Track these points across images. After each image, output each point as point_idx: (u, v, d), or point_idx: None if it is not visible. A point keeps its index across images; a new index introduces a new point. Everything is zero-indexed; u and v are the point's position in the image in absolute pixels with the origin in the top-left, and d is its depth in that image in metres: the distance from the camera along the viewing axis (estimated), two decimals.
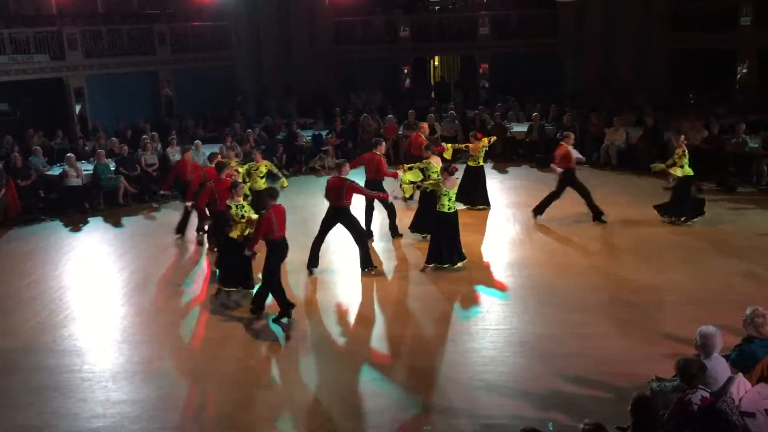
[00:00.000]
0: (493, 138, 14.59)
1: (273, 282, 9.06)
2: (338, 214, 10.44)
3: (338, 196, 10.37)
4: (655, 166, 12.50)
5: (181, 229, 12.73)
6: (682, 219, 12.19)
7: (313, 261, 10.62)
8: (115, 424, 6.99)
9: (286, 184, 11.95)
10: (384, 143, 12.93)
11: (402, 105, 21.16)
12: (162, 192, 15.09)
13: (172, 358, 8.36)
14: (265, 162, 12.21)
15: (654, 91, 20.99)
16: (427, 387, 7.44)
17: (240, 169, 11.80)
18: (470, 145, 14.01)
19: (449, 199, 10.35)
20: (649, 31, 21.48)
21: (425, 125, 15.37)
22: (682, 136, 12.51)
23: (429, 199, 11.17)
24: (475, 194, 13.84)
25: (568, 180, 12.59)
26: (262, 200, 10.26)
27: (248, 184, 11.44)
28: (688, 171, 11.96)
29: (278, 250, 9.12)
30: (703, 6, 21.15)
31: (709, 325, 5.82)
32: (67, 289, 10.66)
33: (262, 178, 11.95)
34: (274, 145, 18.38)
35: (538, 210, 12.95)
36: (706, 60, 20.86)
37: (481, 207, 13.80)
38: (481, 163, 14.01)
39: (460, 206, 12.08)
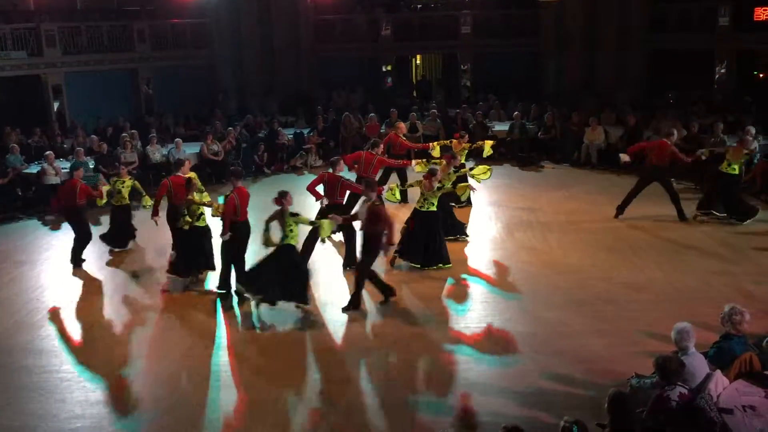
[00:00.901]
0: (489, 142, 14.53)
1: (239, 264, 9.57)
2: (331, 210, 10.33)
3: (332, 192, 10.52)
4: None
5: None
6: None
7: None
8: (94, 424, 6.92)
9: (149, 203, 11.51)
10: (381, 145, 12.93)
11: (384, 103, 21.16)
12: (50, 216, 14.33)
13: (152, 357, 8.29)
14: (129, 178, 12.14)
15: (634, 91, 21.18)
16: (408, 385, 7.44)
17: (104, 188, 11.85)
18: (454, 142, 13.99)
19: (426, 200, 10.42)
20: (629, 32, 21.65)
21: (402, 125, 15.38)
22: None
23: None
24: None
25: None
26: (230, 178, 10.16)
27: (114, 199, 11.81)
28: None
29: (239, 232, 9.48)
30: (682, 7, 21.35)
31: (683, 322, 5.89)
32: (45, 289, 10.53)
33: (119, 193, 11.89)
34: (255, 143, 18.31)
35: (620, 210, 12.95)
36: (685, 60, 21.09)
37: (463, 204, 13.81)
38: (463, 161, 14.03)
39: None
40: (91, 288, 10.58)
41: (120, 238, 12.13)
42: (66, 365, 8.16)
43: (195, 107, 21.91)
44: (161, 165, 16.60)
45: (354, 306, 9.21)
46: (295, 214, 9.09)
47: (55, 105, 20.20)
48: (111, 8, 23.93)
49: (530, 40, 23.27)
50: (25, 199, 15.31)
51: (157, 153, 16.66)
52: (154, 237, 11.93)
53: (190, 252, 10.22)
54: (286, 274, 9.04)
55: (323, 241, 10.34)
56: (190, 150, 16.98)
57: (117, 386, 7.66)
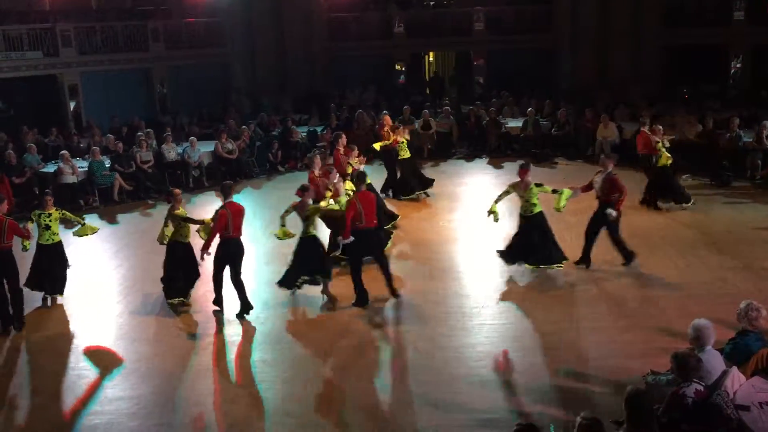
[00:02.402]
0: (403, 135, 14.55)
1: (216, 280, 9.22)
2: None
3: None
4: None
5: None
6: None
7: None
8: (112, 420, 7.00)
9: (89, 233, 10.40)
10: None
11: (396, 101, 21.17)
12: None
13: (168, 355, 8.36)
14: (56, 209, 9.93)
15: (647, 87, 21.05)
16: (423, 383, 7.45)
17: (30, 223, 9.68)
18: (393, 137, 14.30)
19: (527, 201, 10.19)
20: (643, 27, 21.54)
21: (388, 117, 15.57)
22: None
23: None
24: (412, 183, 14.56)
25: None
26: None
27: (42, 238, 9.68)
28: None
29: (227, 250, 9.03)
30: (696, 1, 21.21)
31: (701, 318, 5.86)
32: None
33: (49, 229, 9.67)
34: (269, 141, 18.38)
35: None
36: (699, 55, 20.93)
37: (422, 193, 14.47)
38: (408, 155, 14.48)
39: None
40: (109, 286, 10.67)
41: (50, 281, 9.86)
42: (83, 363, 8.25)
43: (209, 106, 22.02)
44: (176, 163, 16.71)
45: (362, 302, 9.29)
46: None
47: (71, 105, 20.40)
48: (125, 8, 24.10)
49: (543, 36, 23.20)
50: (42, 198, 15.42)
51: (172, 151, 16.77)
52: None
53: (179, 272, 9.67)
54: (315, 262, 9.30)
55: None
56: (204, 148, 17.10)
57: (135, 383, 7.74)
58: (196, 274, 9.74)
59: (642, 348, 7.77)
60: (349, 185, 10.66)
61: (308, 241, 9.39)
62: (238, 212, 9.08)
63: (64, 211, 9.98)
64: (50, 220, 9.62)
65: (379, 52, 24.55)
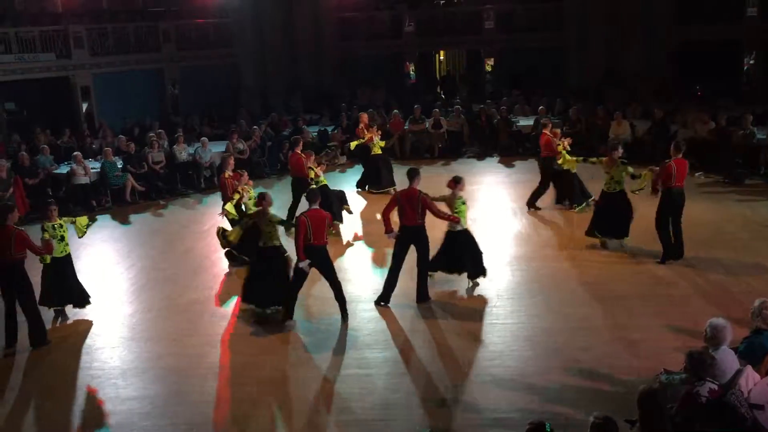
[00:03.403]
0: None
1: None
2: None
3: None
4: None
5: None
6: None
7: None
8: (125, 420, 7.03)
9: (85, 229, 9.79)
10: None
11: (407, 100, 21.17)
12: None
13: (181, 354, 8.39)
14: (68, 219, 9.67)
15: (659, 84, 20.93)
16: (435, 382, 7.45)
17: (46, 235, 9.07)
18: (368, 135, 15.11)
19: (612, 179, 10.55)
20: (653, 23, 21.42)
21: (365, 115, 16.06)
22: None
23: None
24: (382, 177, 15.24)
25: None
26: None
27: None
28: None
29: (312, 256, 8.66)
30: None
31: (719, 317, 5.82)
32: None
33: (63, 240, 9.28)
34: (280, 141, 18.41)
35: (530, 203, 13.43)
36: (712, 52, 20.79)
37: (388, 189, 14.95)
38: (380, 151, 15.25)
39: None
40: (122, 286, 10.73)
41: (73, 295, 9.54)
42: (97, 362, 8.29)
43: (220, 106, 22.10)
44: (188, 164, 16.78)
45: (422, 298, 9.33)
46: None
47: (84, 106, 20.53)
48: (136, 9, 24.22)
49: (554, 34, 23.14)
50: (56, 198, 15.54)
51: (183, 152, 16.84)
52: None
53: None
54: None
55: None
56: (216, 149, 17.16)
57: (148, 383, 7.78)
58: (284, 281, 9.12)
59: (655, 347, 7.73)
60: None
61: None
62: (319, 220, 8.64)
63: (64, 219, 9.50)
64: (63, 231, 9.20)
65: (390, 52, 24.55)
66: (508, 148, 18.55)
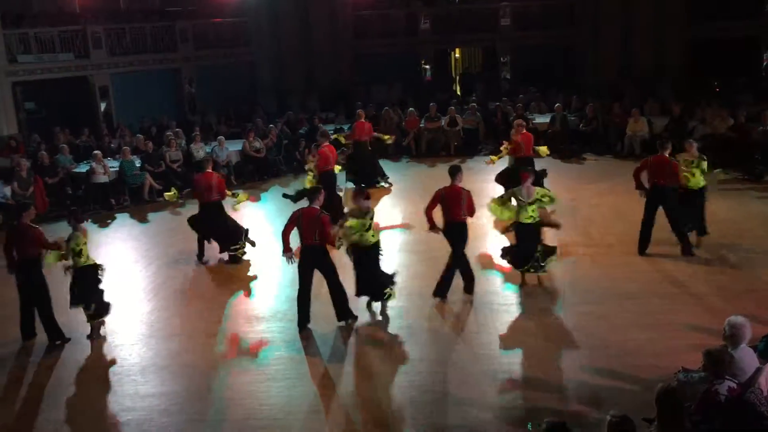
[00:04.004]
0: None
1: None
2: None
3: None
4: None
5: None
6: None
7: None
8: (144, 417, 7.11)
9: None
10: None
11: (423, 98, 21.15)
12: None
13: (199, 351, 8.46)
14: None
15: (676, 80, 20.76)
16: (451, 379, 7.46)
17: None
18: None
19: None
20: (669, 19, 21.24)
21: (362, 112, 16.33)
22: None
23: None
24: (365, 174, 15.49)
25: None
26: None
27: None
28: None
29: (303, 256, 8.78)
30: None
31: (738, 315, 5.78)
32: None
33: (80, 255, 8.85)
34: (296, 139, 18.48)
35: None
36: (729, 46, 20.59)
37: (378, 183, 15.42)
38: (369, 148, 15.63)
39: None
40: (140, 283, 10.82)
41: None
42: (116, 359, 8.38)
43: (236, 105, 22.20)
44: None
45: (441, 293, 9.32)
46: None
47: (102, 105, 20.71)
48: (154, 9, 24.39)
49: (569, 31, 23.00)
50: (75, 198, 15.75)
51: (200, 151, 16.94)
52: None
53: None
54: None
55: None
56: (232, 147, 17.26)
57: (167, 380, 7.85)
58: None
59: (672, 345, 7.69)
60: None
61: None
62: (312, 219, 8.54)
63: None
64: (83, 244, 8.81)
65: (405, 49, 24.53)
66: None
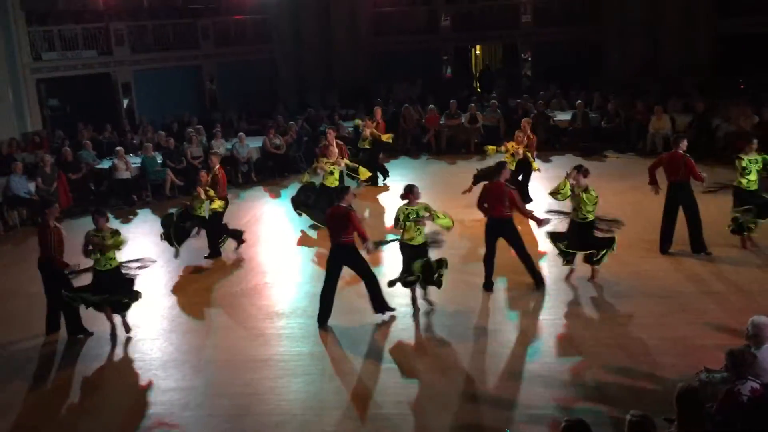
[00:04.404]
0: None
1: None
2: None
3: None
4: None
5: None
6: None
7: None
8: (165, 410, 7.18)
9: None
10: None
11: (443, 95, 21.09)
12: None
13: (219, 346, 8.53)
14: (114, 234, 8.87)
15: (701, 77, 20.50)
16: (471, 378, 7.44)
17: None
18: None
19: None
20: (695, 15, 20.98)
21: (379, 110, 16.27)
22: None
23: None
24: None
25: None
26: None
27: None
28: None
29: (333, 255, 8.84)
30: None
31: (761, 315, 5.71)
32: None
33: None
34: (316, 136, 18.51)
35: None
36: (756, 43, 20.29)
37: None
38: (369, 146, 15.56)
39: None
40: (162, 279, 10.91)
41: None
42: (138, 354, 8.47)
43: (257, 102, 22.30)
44: (225, 159, 16.95)
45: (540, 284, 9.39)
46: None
47: (125, 102, 20.90)
48: (176, 6, 24.55)
49: (592, 27, 22.81)
50: (98, 193, 15.92)
51: (221, 147, 17.04)
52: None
53: None
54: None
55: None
56: (253, 144, 17.34)
57: (187, 374, 7.92)
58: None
59: (694, 345, 7.62)
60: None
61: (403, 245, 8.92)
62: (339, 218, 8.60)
63: (119, 237, 8.80)
64: (111, 240, 8.67)
65: (426, 46, 24.49)
66: (545, 143, 18.35)
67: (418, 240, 8.83)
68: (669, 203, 10.33)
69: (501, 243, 9.39)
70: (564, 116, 18.87)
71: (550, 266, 10.30)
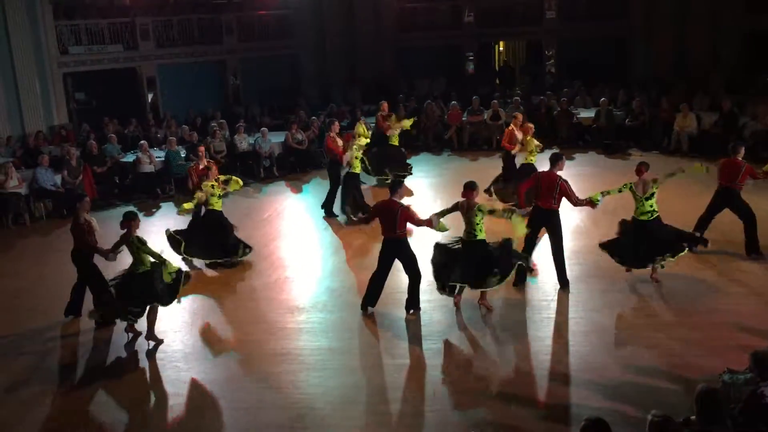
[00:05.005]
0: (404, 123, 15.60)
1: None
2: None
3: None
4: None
5: None
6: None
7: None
8: (186, 402, 7.25)
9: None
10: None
11: (466, 91, 21.01)
12: None
13: (241, 340, 8.59)
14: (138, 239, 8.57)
15: (728, 74, 20.21)
16: (491, 376, 7.43)
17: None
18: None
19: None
20: (723, 11, 20.65)
21: (385, 105, 16.11)
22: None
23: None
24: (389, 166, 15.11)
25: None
26: None
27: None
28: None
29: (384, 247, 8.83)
30: None
31: None
32: None
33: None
34: (338, 132, 18.52)
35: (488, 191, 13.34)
36: None
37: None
38: (396, 142, 15.44)
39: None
40: (194, 269, 10.98)
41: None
42: (160, 346, 8.55)
43: (280, 97, 22.38)
44: (248, 154, 17.07)
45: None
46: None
47: (149, 96, 21.08)
48: (200, 2, 24.67)
49: (617, 24, 22.57)
50: (122, 186, 16.09)
51: (244, 142, 17.13)
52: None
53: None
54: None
55: None
56: (275, 139, 17.42)
57: (209, 367, 7.99)
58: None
59: (718, 345, 7.54)
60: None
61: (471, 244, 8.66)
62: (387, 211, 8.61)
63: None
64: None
65: (449, 42, 24.39)
66: (568, 140, 18.24)
67: (482, 235, 8.68)
68: (714, 203, 10.27)
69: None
70: (587, 114, 18.72)
71: (571, 265, 10.21)
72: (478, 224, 8.52)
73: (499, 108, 18.91)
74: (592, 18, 22.77)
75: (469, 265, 8.52)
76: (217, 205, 11.03)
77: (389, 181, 14.11)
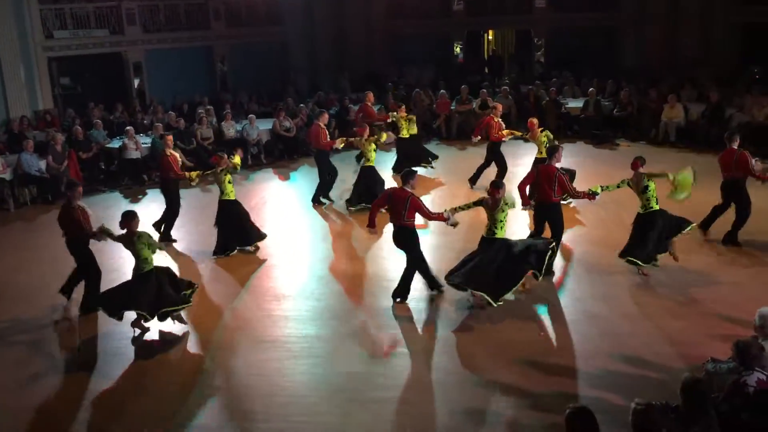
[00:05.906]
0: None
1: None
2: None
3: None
4: None
5: None
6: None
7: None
8: (169, 390, 7.24)
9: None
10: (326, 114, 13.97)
11: (455, 80, 20.99)
12: None
13: (227, 328, 8.57)
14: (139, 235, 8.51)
15: (717, 66, 20.28)
16: (478, 365, 7.45)
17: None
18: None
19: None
20: (714, 3, 20.70)
21: (371, 95, 16.10)
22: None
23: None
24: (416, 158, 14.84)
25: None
26: None
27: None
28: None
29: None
30: None
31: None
32: (126, 260, 10.93)
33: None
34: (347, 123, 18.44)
35: (472, 180, 13.58)
36: None
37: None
38: (407, 135, 15.01)
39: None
40: (168, 260, 10.95)
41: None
42: (145, 335, 8.51)
43: (268, 84, 22.25)
44: (235, 140, 16.98)
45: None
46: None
47: (136, 82, 20.90)
48: None
49: (607, 14, 22.59)
50: (108, 172, 15.97)
51: (231, 129, 17.05)
52: None
53: None
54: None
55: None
56: (263, 126, 17.34)
57: (193, 353, 7.96)
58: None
59: (702, 335, 7.60)
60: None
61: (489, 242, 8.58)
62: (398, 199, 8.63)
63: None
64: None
65: (438, 31, 24.33)
66: (557, 130, 18.23)
67: (501, 233, 8.60)
68: (723, 198, 10.31)
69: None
70: (576, 103, 18.76)
71: (559, 254, 10.25)
72: (501, 221, 8.44)
73: (487, 97, 18.89)
74: (583, 8, 22.76)
75: (484, 270, 8.39)
76: (232, 194, 10.91)
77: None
